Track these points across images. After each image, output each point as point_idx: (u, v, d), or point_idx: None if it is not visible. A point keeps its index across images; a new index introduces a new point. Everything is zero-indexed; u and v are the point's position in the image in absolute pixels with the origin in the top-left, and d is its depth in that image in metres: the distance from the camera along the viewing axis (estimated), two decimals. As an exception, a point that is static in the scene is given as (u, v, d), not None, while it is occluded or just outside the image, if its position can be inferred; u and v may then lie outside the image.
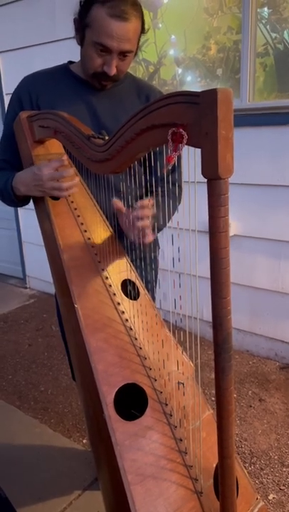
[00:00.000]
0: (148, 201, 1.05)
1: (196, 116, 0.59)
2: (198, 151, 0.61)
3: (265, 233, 2.37)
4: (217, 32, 2.51)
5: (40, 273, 3.64)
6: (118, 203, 1.07)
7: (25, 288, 3.81)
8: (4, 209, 3.51)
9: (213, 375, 0.75)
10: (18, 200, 1.22)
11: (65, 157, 1.08)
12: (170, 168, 0.67)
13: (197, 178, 0.68)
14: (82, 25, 1.12)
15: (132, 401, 0.92)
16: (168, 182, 1.32)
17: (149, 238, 1.07)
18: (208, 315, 0.71)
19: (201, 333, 2.62)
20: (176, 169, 1.31)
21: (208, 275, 0.64)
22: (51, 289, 3.55)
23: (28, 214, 3.44)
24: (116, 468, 0.81)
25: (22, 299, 3.60)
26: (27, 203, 1.27)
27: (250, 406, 2.13)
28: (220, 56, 2.53)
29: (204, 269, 0.66)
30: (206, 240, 0.63)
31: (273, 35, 2.33)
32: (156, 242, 1.45)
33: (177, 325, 1.03)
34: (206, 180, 0.60)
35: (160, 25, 2.68)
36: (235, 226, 2.45)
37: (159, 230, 1.19)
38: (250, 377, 2.36)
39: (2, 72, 3.31)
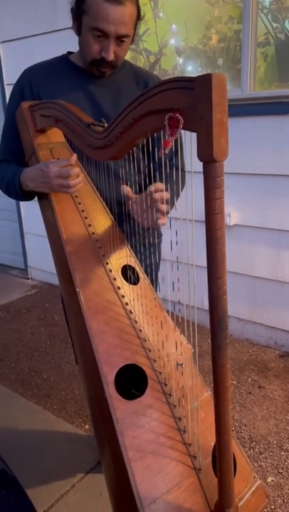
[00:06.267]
0: (161, 184, 1.06)
1: (192, 101, 0.61)
2: (195, 141, 0.62)
3: (265, 223, 2.39)
4: (218, 21, 2.50)
5: (41, 263, 3.66)
6: (127, 188, 1.09)
7: (27, 278, 3.84)
8: (6, 200, 3.52)
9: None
10: (23, 195, 1.23)
11: (74, 157, 1.09)
12: (167, 152, 0.69)
13: (195, 167, 0.70)
14: (79, 12, 1.13)
15: (133, 382, 0.95)
16: (171, 167, 1.33)
17: (163, 221, 1.08)
18: (207, 304, 0.73)
19: (202, 323, 2.64)
20: (178, 153, 1.32)
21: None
22: (53, 280, 3.59)
23: (29, 205, 3.45)
24: (117, 445, 0.84)
25: (24, 289, 3.63)
26: (31, 198, 1.27)
27: (250, 393, 2.16)
28: (221, 46, 2.53)
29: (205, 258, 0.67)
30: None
31: (274, 24, 2.33)
32: (157, 229, 1.46)
33: (178, 315, 1.05)
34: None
35: (161, 15, 2.67)
36: (235, 216, 2.46)
37: (167, 213, 1.20)
38: (250, 365, 2.39)
39: (3, 63, 3.31)
